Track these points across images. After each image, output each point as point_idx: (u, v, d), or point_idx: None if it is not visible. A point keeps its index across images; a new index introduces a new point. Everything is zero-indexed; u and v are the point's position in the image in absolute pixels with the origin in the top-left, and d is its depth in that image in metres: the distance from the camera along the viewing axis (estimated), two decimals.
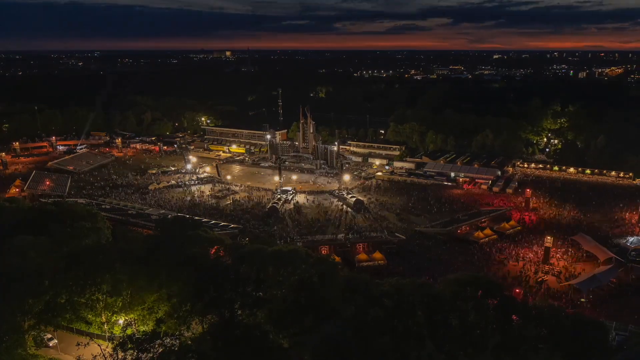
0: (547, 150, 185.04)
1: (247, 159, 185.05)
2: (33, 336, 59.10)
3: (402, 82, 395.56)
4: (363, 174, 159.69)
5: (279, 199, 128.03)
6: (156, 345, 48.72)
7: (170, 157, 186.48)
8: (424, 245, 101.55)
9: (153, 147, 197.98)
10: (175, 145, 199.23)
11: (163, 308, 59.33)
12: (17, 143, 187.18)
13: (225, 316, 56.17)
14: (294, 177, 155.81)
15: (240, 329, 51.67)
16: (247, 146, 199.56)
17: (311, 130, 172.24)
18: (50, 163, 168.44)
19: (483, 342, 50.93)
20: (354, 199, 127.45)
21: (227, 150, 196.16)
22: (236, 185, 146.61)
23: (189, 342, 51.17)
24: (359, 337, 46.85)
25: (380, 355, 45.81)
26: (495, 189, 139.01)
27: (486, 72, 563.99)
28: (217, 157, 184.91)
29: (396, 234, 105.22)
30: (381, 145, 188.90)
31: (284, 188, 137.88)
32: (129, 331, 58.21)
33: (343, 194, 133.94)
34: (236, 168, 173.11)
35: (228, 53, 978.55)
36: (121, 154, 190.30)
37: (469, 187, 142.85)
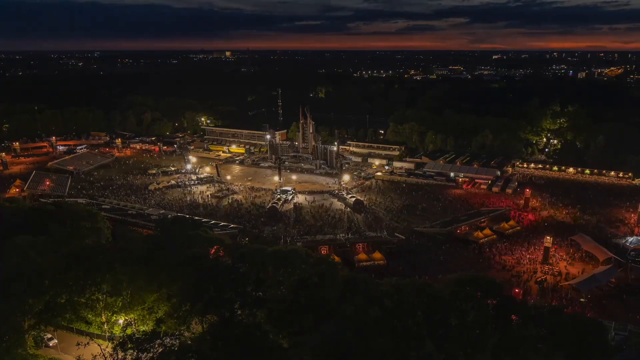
0: (546, 150, 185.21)
1: (247, 159, 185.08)
2: (33, 336, 59.15)
3: (402, 82, 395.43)
4: (363, 174, 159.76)
5: (279, 199, 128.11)
6: (156, 345, 48.80)
7: (170, 157, 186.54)
8: (424, 245, 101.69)
9: (153, 147, 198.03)
10: (175, 146, 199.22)
11: (163, 308, 59.39)
12: (17, 143, 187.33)
13: (225, 316, 56.20)
14: (294, 177, 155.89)
15: (240, 329, 51.68)
16: (247, 146, 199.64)
17: (311, 131, 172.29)
18: (50, 163, 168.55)
19: (482, 341, 51.04)
20: (353, 199, 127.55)
21: (227, 151, 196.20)
22: (236, 186, 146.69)
23: (189, 342, 51.26)
24: (359, 337, 46.93)
25: (380, 355, 45.89)
26: (495, 189, 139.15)
27: (486, 72, 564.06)
28: (216, 157, 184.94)
29: (396, 234, 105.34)
30: (381, 145, 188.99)
31: (283, 188, 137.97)
32: (129, 331, 58.29)
33: (343, 194, 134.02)
34: (236, 168, 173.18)
35: (228, 53, 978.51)
36: (121, 154, 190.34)
37: (469, 187, 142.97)
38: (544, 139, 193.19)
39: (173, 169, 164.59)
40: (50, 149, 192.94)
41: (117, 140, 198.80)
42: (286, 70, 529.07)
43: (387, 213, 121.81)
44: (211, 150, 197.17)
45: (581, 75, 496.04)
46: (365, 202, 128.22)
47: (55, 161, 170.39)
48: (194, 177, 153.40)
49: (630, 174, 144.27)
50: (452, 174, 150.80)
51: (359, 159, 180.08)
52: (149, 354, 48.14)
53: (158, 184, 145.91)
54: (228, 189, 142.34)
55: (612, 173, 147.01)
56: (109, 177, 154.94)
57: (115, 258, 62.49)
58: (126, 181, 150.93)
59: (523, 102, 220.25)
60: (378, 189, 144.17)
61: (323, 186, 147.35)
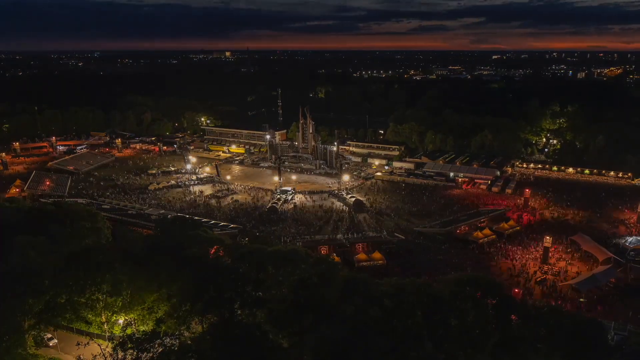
0: (546, 150, 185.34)
1: (246, 159, 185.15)
2: (33, 336, 59.19)
3: (402, 82, 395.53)
4: (362, 174, 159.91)
5: (279, 199, 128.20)
6: (156, 345, 48.88)
7: (170, 157, 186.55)
8: (423, 245, 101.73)
9: (153, 147, 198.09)
10: (175, 146, 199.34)
11: (163, 308, 59.47)
12: (17, 143, 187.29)
13: (225, 316, 56.32)
14: (294, 177, 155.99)
15: (240, 329, 51.77)
16: (247, 146, 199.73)
17: (311, 131, 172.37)
18: (50, 163, 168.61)
19: (482, 341, 51.11)
20: (353, 199, 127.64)
21: (227, 151, 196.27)
22: (236, 186, 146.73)
23: (189, 341, 51.37)
24: (359, 337, 46.99)
25: (380, 355, 45.94)
26: (495, 189, 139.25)
27: (485, 72, 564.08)
28: (216, 158, 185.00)
29: (395, 234, 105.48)
30: (380, 145, 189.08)
31: (283, 188, 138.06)
32: (128, 331, 58.41)
33: (342, 194, 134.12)
34: (236, 168, 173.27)
35: (228, 53, 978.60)
36: (121, 154, 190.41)
37: (468, 187, 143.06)
38: (544, 139, 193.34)
39: (173, 169, 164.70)
40: (51, 149, 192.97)
41: (117, 141, 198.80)
42: (286, 70, 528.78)
43: (387, 213, 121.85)
44: (211, 151, 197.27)
45: (581, 75, 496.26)
46: (364, 202, 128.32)
47: (56, 161, 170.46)
48: (194, 177, 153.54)
49: (629, 174, 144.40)
50: (451, 174, 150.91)
51: (358, 159, 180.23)
52: (149, 354, 48.24)
53: (158, 184, 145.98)
54: (228, 189, 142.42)
55: (612, 173, 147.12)
56: (109, 177, 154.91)
57: (115, 258, 62.55)
58: (126, 181, 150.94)
59: (523, 102, 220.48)
60: (378, 189, 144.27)
61: (323, 186, 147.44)
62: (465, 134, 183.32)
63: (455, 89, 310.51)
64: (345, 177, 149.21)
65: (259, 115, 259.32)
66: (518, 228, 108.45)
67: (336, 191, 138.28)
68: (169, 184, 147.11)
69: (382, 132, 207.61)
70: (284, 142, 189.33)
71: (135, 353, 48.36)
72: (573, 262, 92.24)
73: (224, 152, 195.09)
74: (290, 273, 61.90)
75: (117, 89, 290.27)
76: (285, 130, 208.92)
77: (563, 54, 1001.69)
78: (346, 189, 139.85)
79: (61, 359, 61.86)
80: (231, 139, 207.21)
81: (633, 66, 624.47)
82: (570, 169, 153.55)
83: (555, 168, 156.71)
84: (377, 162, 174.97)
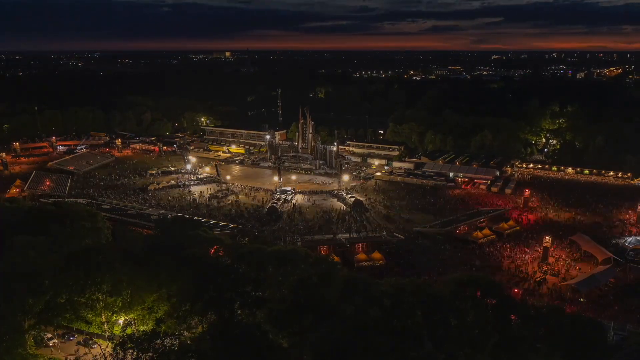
0: (545, 150, 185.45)
1: (246, 159, 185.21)
2: (33, 336, 59.27)
3: (401, 82, 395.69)
4: (362, 174, 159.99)
5: (279, 199, 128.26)
6: (156, 345, 48.94)
7: (170, 157, 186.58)
8: (423, 245, 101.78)
9: (153, 148, 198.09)
10: (175, 146, 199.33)
11: (163, 308, 59.55)
12: (17, 143, 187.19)
13: (225, 316, 56.39)
14: (294, 177, 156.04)
15: (240, 329, 51.82)
16: (247, 146, 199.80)
17: (310, 131, 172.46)
18: (50, 163, 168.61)
19: (482, 341, 51.15)
20: (353, 199, 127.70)
21: (227, 151, 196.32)
22: (236, 186, 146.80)
23: (189, 341, 51.44)
24: (358, 337, 47.06)
25: (380, 355, 46.00)
26: (494, 189, 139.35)
27: (485, 72, 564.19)
28: (216, 158, 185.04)
29: (395, 234, 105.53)
30: (380, 145, 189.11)
31: (283, 188, 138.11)
32: (128, 331, 58.46)
33: (342, 194, 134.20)
34: (236, 168, 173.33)
35: (227, 54, 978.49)
36: (121, 155, 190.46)
37: (468, 187, 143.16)
38: (543, 139, 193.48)
39: (173, 169, 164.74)
40: (51, 149, 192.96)
41: (117, 141, 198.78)
42: (286, 70, 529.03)
43: (387, 213, 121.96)
44: (211, 151, 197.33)
45: (580, 75, 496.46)
46: (364, 202, 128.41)
47: (56, 161, 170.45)
48: (193, 177, 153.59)
49: (629, 174, 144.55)
50: (451, 174, 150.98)
51: (358, 159, 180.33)
52: (148, 354, 48.29)
53: (158, 184, 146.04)
54: (228, 189, 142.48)
55: (611, 173, 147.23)
56: (109, 177, 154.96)
57: (115, 258, 62.63)
58: (126, 181, 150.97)
59: (522, 103, 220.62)
60: (377, 189, 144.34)
61: (322, 186, 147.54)
62: (465, 134, 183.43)
63: (455, 89, 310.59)
64: (345, 177, 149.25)
65: (258, 116, 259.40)
66: (518, 228, 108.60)
67: (336, 191, 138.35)
68: (169, 184, 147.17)
69: (381, 132, 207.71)
70: (283, 142, 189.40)
71: (135, 353, 48.42)
72: (572, 262, 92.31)
73: (223, 152, 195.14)
74: (290, 273, 62.02)
75: (117, 89, 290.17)
76: (285, 131, 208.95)
77: (563, 54, 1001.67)
78: (346, 189, 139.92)
79: (61, 359, 61.96)
80: (231, 139, 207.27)
81: (632, 66, 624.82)
82: (570, 169, 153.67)
83: (554, 168, 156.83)
84: (376, 162, 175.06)
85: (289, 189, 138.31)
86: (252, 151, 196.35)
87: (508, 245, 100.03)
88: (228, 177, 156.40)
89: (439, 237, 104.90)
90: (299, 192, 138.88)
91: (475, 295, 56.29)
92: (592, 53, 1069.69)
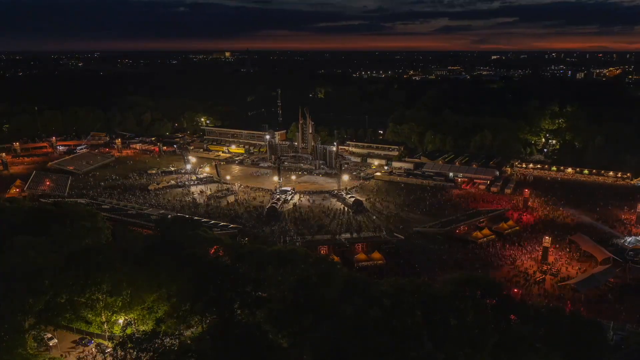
0: (545, 150, 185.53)
1: (246, 159, 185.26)
2: (33, 335, 59.32)
3: (401, 82, 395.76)
4: (362, 174, 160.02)
5: (278, 199, 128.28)
6: (156, 345, 49.01)
7: (170, 157, 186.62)
8: (423, 245, 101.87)
9: (153, 148, 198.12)
10: (175, 146, 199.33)
11: (163, 308, 59.62)
12: (17, 143, 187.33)
13: (225, 316, 56.42)
14: (293, 177, 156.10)
15: (240, 329, 51.94)
16: (247, 146, 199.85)
17: (310, 131, 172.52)
18: (50, 163, 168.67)
19: (482, 341, 51.19)
20: (352, 199, 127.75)
21: (227, 151, 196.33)
22: (235, 186, 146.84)
23: (189, 341, 51.49)
24: (358, 337, 47.12)
25: (379, 355, 46.07)
26: (494, 189, 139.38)
27: (484, 72, 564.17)
28: (216, 158, 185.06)
29: (395, 234, 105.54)
30: (380, 145, 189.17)
31: (283, 188, 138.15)
32: (128, 331, 58.56)
33: (342, 194, 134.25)
34: (235, 168, 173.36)
35: (227, 54, 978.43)
36: (121, 155, 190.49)
37: (468, 187, 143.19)
38: (543, 139, 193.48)
39: (173, 169, 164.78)
40: (51, 149, 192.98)
41: (117, 141, 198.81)
42: (285, 70, 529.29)
43: (386, 213, 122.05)
44: (211, 151, 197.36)
45: (580, 75, 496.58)
46: (364, 202, 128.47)
47: (56, 161, 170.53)
48: (193, 177, 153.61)
49: (628, 174, 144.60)
50: (451, 174, 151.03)
51: (358, 159, 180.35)
52: (148, 354, 48.36)
53: (158, 184, 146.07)
54: (228, 189, 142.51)
55: (611, 173, 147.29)
56: (109, 178, 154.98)
57: (115, 258, 62.75)
58: (126, 181, 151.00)
59: (522, 103, 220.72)
60: (377, 189, 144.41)
61: (322, 186, 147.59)
62: (465, 134, 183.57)
63: (455, 89, 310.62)
64: (345, 177, 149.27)
65: (258, 116, 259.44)
66: (517, 228, 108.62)
67: (335, 191, 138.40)
68: (169, 184, 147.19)
69: (381, 132, 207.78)
70: (283, 142, 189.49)
71: (135, 353, 48.50)
72: (572, 262, 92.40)
73: (223, 152, 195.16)
74: (290, 273, 62.07)
75: (117, 89, 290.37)
76: (284, 131, 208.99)
77: (562, 54, 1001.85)
78: (346, 189, 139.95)
79: (61, 359, 62.02)
80: (231, 139, 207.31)
81: (632, 66, 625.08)
82: (570, 169, 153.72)
83: (554, 168, 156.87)
84: (376, 162, 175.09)
85: (288, 189, 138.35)
86: (252, 151, 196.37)
87: (508, 245, 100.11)
88: (228, 177, 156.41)
89: (438, 237, 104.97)
90: (299, 192, 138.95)
91: (475, 295, 56.39)
92: (591, 53, 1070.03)
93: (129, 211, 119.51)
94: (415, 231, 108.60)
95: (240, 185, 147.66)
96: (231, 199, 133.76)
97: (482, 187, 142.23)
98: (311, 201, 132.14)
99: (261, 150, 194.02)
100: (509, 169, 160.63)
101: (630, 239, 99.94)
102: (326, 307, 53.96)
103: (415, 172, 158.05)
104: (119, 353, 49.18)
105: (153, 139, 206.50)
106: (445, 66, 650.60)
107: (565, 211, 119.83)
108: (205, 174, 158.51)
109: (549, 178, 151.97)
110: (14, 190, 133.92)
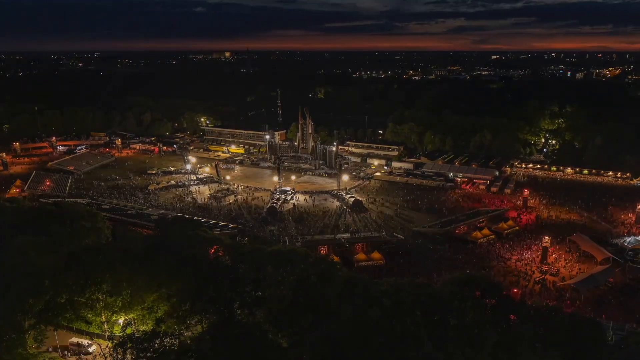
0: (544, 150, 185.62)
1: (246, 159, 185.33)
2: (33, 335, 59.37)
3: (401, 82, 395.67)
4: (362, 174, 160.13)
5: (278, 199, 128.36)
6: (156, 345, 49.04)
7: (169, 157, 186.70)
8: (422, 245, 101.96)
9: (153, 148, 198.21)
10: (175, 146, 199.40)
11: (163, 308, 59.63)
12: (17, 143, 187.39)
13: (225, 316, 56.48)
14: (293, 177, 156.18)
15: (240, 329, 51.94)
16: (247, 146, 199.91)
17: (310, 131, 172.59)
18: (50, 163, 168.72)
19: (481, 341, 51.26)
20: (352, 199, 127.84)
21: (227, 151, 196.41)
22: (235, 185, 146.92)
23: (189, 341, 51.48)
24: (358, 337, 47.18)
25: (379, 355, 46.13)
26: (493, 189, 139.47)
27: (484, 72, 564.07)
28: (216, 158, 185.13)
29: (394, 234, 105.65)
30: (380, 145, 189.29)
31: (283, 188, 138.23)
32: (128, 331, 58.50)
33: (342, 194, 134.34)
34: (235, 168, 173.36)
35: (227, 54, 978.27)
36: (121, 155, 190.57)
37: (467, 187, 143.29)
38: (542, 140, 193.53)
39: (173, 169, 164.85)
40: (51, 150, 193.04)
41: (117, 141, 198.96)
42: (285, 70, 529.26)
43: (386, 213, 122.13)
44: (211, 151, 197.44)
45: (579, 75, 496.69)
46: (364, 202, 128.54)
47: (56, 161, 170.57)
48: (193, 177, 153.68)
49: (628, 174, 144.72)
50: (450, 174, 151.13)
51: (358, 159, 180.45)
52: (148, 354, 48.40)
53: (158, 184, 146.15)
54: (227, 189, 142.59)
55: (611, 173, 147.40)
56: (109, 178, 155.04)
57: (115, 258, 62.73)
58: (126, 181, 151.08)
59: (521, 103, 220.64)
60: (377, 189, 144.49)
61: (322, 186, 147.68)
62: (464, 134, 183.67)
63: (455, 89, 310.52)
64: (345, 177, 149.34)
65: (258, 116, 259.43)
66: (517, 228, 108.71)
67: (335, 191, 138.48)
68: (169, 184, 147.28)
69: (381, 132, 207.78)
70: (283, 143, 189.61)
71: (135, 353, 48.53)
72: (572, 262, 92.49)
73: (223, 152, 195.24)
74: (290, 273, 62.09)
75: (117, 89, 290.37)
76: (284, 131, 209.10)
77: (562, 54, 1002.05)
78: (345, 189, 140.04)
79: (61, 359, 62.07)
80: (231, 139, 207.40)
81: (632, 66, 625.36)
82: (569, 169, 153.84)
83: (554, 168, 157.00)
84: (376, 162, 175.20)
85: (288, 189, 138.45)
86: (252, 151, 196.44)
87: (507, 245, 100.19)
88: (228, 177, 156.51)
89: (438, 237, 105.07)
90: (299, 192, 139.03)
91: (474, 295, 56.46)
92: (591, 53, 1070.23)
93: (129, 211, 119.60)
94: (415, 231, 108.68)
95: (240, 185, 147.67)
96: (231, 199, 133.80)
97: (481, 187, 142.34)
98: (311, 201, 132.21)
99: (261, 150, 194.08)
100: (509, 169, 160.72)
101: (629, 239, 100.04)
102: (326, 307, 54.04)
103: (415, 172, 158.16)
104: (119, 353, 49.20)
105: (153, 139, 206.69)
106: (445, 66, 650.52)
107: (565, 211, 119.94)
108: (205, 174, 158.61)
109: (541, 179, 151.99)
110: (14, 190, 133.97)
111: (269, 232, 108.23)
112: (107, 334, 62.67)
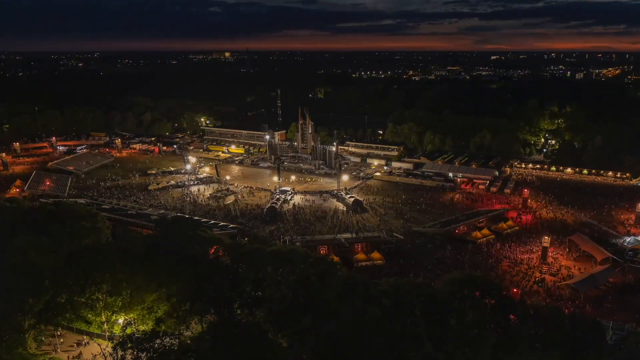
0: (544, 150, 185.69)
1: (246, 159, 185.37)
2: (33, 335, 59.41)
3: (401, 83, 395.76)
4: (361, 174, 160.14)
5: (278, 199, 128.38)
6: (155, 345, 49.06)
7: (169, 157, 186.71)
8: (422, 245, 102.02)
9: (153, 148, 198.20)
10: (175, 146, 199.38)
11: (162, 307, 59.65)
12: (17, 143, 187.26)
13: (225, 316, 56.51)
14: (293, 177, 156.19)
15: (239, 329, 51.95)
16: (246, 146, 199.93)
17: (310, 131, 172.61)
18: (50, 163, 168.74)
19: (481, 341, 51.32)
20: (352, 199, 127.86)
21: (227, 151, 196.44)
22: (235, 186, 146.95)
23: (188, 341, 51.51)
24: (358, 337, 47.21)
25: (379, 355, 46.16)
26: (493, 189, 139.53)
27: (484, 72, 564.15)
28: (216, 158, 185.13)
29: (394, 234, 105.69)
30: (379, 145, 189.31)
31: (282, 188, 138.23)
32: (128, 331, 58.53)
33: (342, 194, 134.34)
34: (235, 168, 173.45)
35: (227, 54, 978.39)
36: (121, 155, 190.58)
37: (467, 187, 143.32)
38: (542, 140, 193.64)
39: (173, 169, 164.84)
40: (51, 150, 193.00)
41: (117, 141, 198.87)
42: (285, 70, 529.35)
43: (386, 213, 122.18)
44: (210, 151, 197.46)
45: (579, 75, 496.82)
46: (364, 202, 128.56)
47: (56, 161, 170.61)
48: (193, 177, 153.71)
49: (628, 174, 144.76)
50: (450, 174, 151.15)
51: (357, 159, 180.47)
52: (148, 354, 48.42)
53: (158, 184, 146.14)
54: (227, 189, 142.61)
55: (610, 173, 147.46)
56: (109, 178, 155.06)
57: (115, 258, 62.70)
58: (126, 181, 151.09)
59: (521, 103, 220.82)
60: (377, 189, 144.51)
61: (322, 186, 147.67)
62: (464, 135, 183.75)
63: (454, 89, 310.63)
64: (344, 177, 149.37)
65: (258, 116, 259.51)
66: (517, 228, 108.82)
67: (335, 191, 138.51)
68: (169, 184, 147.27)
69: (381, 132, 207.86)
70: (283, 143, 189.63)
71: (135, 353, 48.54)
72: (571, 262, 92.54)
73: (223, 152, 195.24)
74: (290, 273, 62.10)
75: (117, 89, 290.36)
76: (284, 131, 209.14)
77: (562, 55, 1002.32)
78: (345, 189, 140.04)
79: (61, 359, 62.08)
80: (231, 139, 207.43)
81: (631, 67, 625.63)
82: (569, 169, 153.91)
83: (553, 168, 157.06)
84: (376, 162, 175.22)
85: (288, 189, 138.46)
86: (252, 151, 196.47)
87: (507, 245, 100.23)
88: (228, 177, 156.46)
89: (438, 237, 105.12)
90: (299, 192, 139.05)
91: (474, 295, 56.48)
92: (591, 53, 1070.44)
93: (129, 211, 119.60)
94: (415, 231, 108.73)
95: (240, 185, 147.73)
96: (231, 199, 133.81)
97: (481, 187, 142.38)
98: (311, 201, 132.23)
99: (261, 150, 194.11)
100: (509, 169, 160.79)
101: (629, 239, 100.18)
102: (326, 307, 54.04)
103: (414, 172, 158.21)
104: (119, 353, 49.22)
105: (153, 139, 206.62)
106: (444, 66, 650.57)
107: (568, 211, 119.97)
108: (205, 174, 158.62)
109: (533, 179, 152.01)
110: (14, 190, 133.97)
111: (269, 232, 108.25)
112: (107, 334, 62.70)
